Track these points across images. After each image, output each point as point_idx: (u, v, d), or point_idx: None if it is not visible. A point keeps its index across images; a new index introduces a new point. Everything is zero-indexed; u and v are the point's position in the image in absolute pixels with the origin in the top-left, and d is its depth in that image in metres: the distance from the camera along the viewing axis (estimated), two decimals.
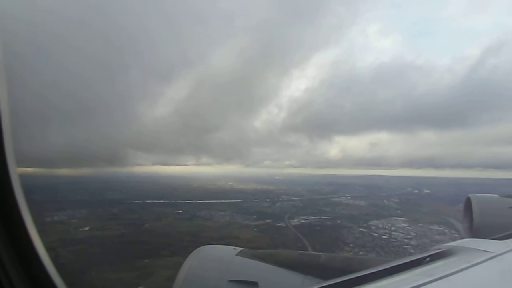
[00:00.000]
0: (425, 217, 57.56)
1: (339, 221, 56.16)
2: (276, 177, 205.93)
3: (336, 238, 44.32)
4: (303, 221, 56.49)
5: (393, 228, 50.13)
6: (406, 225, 52.07)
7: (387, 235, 46.31)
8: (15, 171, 1.20)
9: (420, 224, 52.17)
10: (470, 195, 4.40)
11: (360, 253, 37.27)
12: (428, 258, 2.25)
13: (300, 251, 3.26)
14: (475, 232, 3.95)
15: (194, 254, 3.07)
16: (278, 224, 54.32)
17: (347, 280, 1.84)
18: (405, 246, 40.23)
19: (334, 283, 1.88)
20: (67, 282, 1.36)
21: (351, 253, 36.24)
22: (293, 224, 54.14)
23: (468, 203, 4.36)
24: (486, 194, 4.60)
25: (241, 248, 3.11)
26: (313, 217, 59.30)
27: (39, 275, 1.29)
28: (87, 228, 47.35)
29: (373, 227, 51.46)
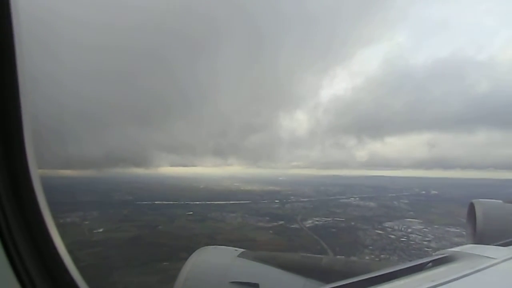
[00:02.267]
0: (439, 219, 56.99)
1: (353, 223, 55.74)
2: (280, 178, 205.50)
3: (354, 241, 43.95)
4: (316, 222, 56.05)
5: (409, 230, 49.66)
6: (422, 227, 51.54)
7: (405, 237, 45.82)
8: (36, 173, 1.22)
9: (435, 226, 51.61)
10: (473, 201, 4.38)
11: (382, 255, 37.01)
12: (430, 263, 2.25)
13: (302, 254, 3.19)
14: (478, 238, 3.95)
15: (195, 255, 3.02)
16: (292, 226, 53.99)
17: (349, 283, 1.83)
18: (426, 248, 39.71)
19: (336, 287, 1.85)
20: (91, 286, 1.34)
21: (372, 257, 35.95)
22: (307, 226, 53.72)
23: (471, 209, 4.35)
24: (490, 200, 4.56)
25: (243, 250, 3.07)
26: (326, 219, 58.92)
27: (61, 276, 1.28)
28: (101, 230, 47.10)
29: (388, 229, 51.00)
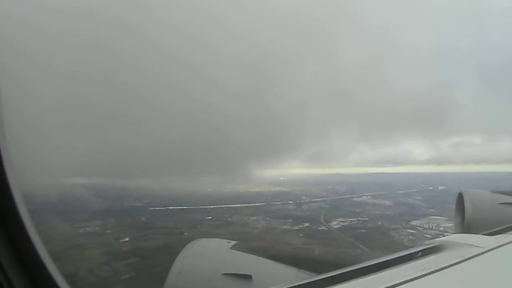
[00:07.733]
0: None
1: (379, 222, 55.11)
2: (281, 178, 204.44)
3: (391, 241, 43.18)
4: (342, 223, 55.14)
5: (441, 228, 48.79)
6: (451, 224, 50.66)
7: (441, 236, 44.91)
8: (16, 181, 1.20)
9: None
10: (462, 191, 4.55)
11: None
12: (420, 253, 2.28)
13: (294, 245, 3.12)
14: (467, 227, 4.10)
15: (189, 247, 3.02)
16: (320, 228, 52.86)
17: (340, 273, 1.84)
18: None
19: (328, 277, 1.85)
20: None
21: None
22: (335, 227, 52.85)
23: (460, 199, 4.52)
24: (478, 190, 4.79)
25: (236, 242, 3.09)
26: (350, 219, 58.04)
27: (44, 281, 1.27)
28: (127, 239, 45.55)
29: (419, 228, 50.34)
